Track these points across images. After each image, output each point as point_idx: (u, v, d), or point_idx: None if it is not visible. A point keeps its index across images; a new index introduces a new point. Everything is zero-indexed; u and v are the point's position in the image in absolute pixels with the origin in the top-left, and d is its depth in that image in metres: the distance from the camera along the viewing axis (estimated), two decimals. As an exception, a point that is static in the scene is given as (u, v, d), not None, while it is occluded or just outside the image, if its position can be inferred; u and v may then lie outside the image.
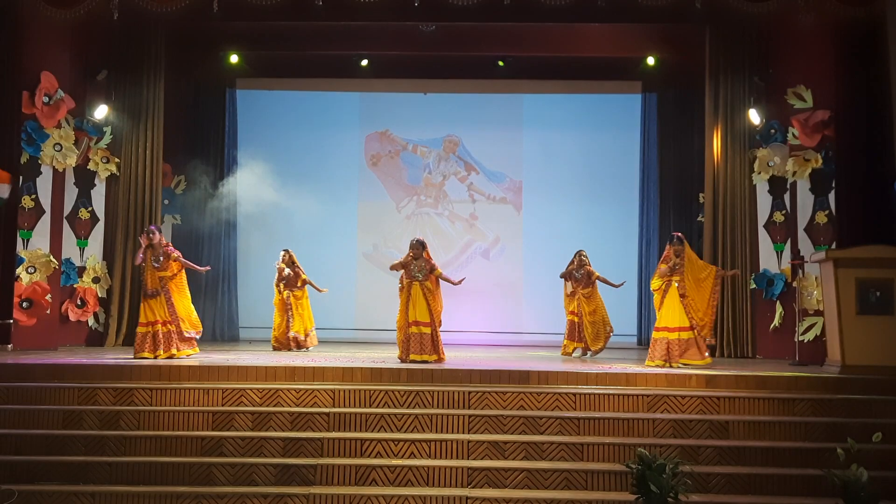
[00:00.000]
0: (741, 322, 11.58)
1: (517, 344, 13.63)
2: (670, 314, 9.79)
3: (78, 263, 11.92)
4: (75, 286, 11.87)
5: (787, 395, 8.23)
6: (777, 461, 7.38)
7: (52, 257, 11.34)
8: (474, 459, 7.42)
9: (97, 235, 12.12)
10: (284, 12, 10.80)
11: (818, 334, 10.65)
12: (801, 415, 7.99)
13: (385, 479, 7.18)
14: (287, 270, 11.99)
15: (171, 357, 9.57)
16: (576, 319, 11.42)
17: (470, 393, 8.16)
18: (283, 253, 12.13)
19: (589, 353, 11.31)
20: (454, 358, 10.50)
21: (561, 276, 11.67)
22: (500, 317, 14.34)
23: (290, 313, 11.83)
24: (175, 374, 8.63)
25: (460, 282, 10.57)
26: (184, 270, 10.06)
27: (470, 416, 7.85)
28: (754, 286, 11.61)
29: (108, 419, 7.83)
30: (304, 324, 11.91)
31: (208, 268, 11.55)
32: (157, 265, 9.79)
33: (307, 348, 11.79)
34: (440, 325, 10.09)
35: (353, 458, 7.44)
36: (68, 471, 7.19)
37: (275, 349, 11.73)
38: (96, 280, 12.04)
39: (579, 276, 11.42)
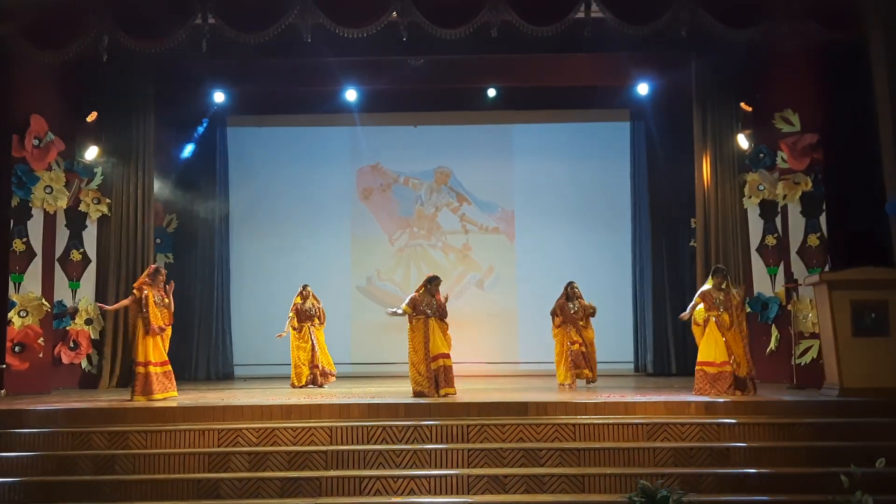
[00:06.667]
0: (737, 346, 11.52)
1: (514, 374, 13.57)
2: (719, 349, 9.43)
3: (70, 305, 11.84)
4: (68, 328, 11.77)
5: (786, 419, 8.18)
6: (779, 488, 7.31)
7: (44, 300, 11.25)
8: (475, 494, 7.34)
9: (89, 277, 12.03)
10: (273, 49, 10.78)
11: (815, 357, 10.62)
12: (802, 440, 7.94)
13: (385, 517, 7.11)
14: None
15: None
16: (582, 349, 11.18)
17: (468, 426, 8.09)
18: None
19: (591, 382, 11.20)
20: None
21: (552, 313, 11.42)
22: (495, 347, 14.27)
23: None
24: (170, 416, 8.53)
25: None
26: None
27: (469, 450, 7.78)
28: (749, 310, 11.57)
29: (103, 463, 7.74)
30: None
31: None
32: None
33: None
34: None
35: (353, 496, 7.36)
36: (63, 518, 7.10)
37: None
38: (89, 322, 11.93)
39: (576, 308, 11.28)
